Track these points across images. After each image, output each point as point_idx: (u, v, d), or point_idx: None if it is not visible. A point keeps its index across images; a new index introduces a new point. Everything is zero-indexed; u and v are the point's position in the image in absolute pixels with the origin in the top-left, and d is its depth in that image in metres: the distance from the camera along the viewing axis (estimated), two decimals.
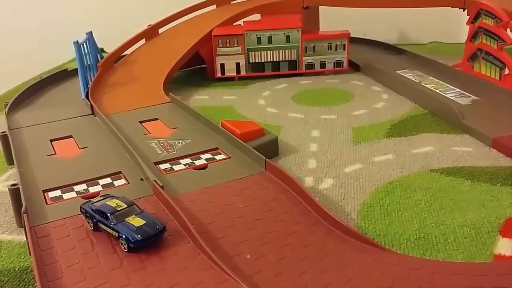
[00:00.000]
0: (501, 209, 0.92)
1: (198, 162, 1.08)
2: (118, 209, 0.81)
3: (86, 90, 1.56)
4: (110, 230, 0.80)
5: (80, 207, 0.86)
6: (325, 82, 1.78)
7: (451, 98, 1.47)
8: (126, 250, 0.77)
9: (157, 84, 1.62)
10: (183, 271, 0.73)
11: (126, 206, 0.83)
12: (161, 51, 1.86)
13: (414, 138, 1.25)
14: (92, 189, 0.98)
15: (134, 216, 0.81)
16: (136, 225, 0.79)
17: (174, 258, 0.76)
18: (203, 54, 1.83)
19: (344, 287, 0.70)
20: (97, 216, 0.82)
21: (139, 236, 0.77)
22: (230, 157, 1.10)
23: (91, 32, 1.69)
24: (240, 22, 1.89)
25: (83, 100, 1.53)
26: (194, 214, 0.88)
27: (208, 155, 1.11)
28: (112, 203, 0.83)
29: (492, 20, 1.52)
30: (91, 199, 0.87)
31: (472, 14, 1.63)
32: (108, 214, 0.80)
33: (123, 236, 0.77)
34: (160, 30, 1.97)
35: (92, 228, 0.83)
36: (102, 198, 0.86)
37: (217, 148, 1.14)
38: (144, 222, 0.80)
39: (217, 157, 1.10)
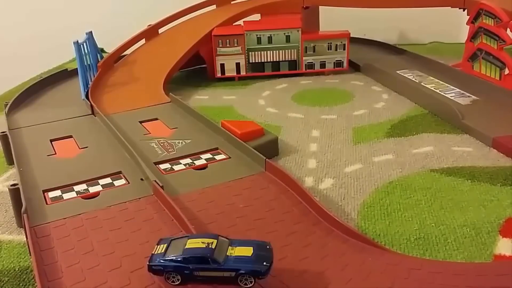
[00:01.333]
0: (501, 209, 0.92)
1: (198, 162, 1.08)
2: (214, 247, 0.69)
3: (86, 90, 1.56)
4: (220, 273, 0.68)
5: (152, 266, 0.70)
6: (325, 82, 1.78)
7: (451, 98, 1.47)
8: (251, 285, 0.67)
9: (157, 84, 1.62)
10: None
11: (215, 240, 0.70)
12: (161, 51, 1.85)
13: (414, 138, 1.25)
14: (92, 189, 0.98)
15: (231, 247, 0.71)
16: (249, 255, 0.68)
17: None
18: (203, 54, 1.83)
19: (344, 287, 0.70)
20: (190, 265, 0.68)
21: (265, 263, 0.67)
22: (230, 157, 1.10)
23: (91, 32, 1.69)
24: (240, 22, 1.89)
25: (83, 100, 1.53)
26: (194, 214, 0.88)
27: (208, 155, 1.11)
28: (196, 243, 0.70)
29: (492, 20, 1.52)
30: (153, 253, 0.72)
31: (472, 14, 1.63)
32: (208, 256, 0.68)
33: (246, 272, 0.67)
34: (160, 30, 1.97)
35: (178, 283, 0.70)
36: (165, 245, 0.72)
37: (217, 148, 1.14)
38: (252, 247, 0.70)
39: (217, 157, 1.10)
